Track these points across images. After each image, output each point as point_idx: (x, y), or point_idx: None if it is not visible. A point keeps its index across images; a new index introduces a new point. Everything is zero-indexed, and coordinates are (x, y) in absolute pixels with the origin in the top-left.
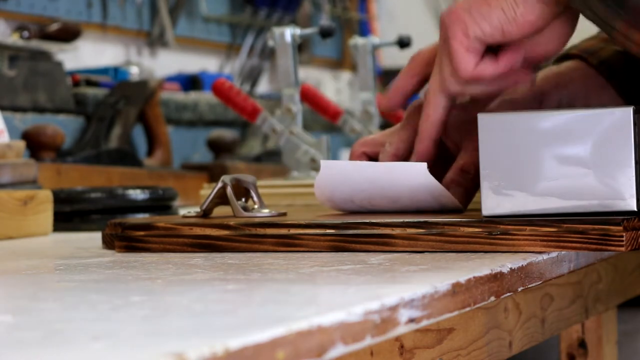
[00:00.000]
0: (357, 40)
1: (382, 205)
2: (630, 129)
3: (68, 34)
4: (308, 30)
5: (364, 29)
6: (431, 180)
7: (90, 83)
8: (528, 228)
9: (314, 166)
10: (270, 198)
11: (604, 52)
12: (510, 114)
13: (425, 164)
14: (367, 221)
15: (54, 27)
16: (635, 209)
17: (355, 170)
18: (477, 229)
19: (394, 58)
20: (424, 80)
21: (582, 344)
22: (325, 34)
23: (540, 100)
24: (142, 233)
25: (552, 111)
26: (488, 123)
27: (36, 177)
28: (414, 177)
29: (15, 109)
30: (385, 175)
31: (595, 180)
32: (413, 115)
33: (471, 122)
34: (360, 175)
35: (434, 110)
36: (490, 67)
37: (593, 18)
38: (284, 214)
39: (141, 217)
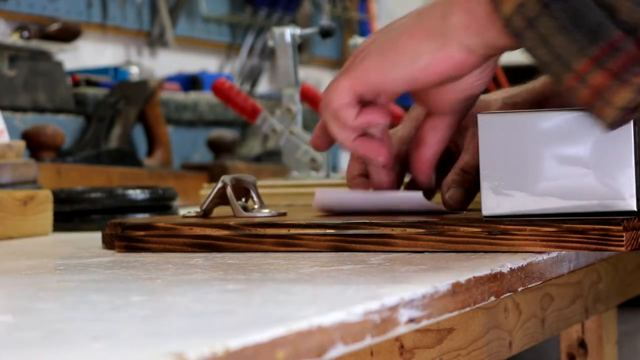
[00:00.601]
0: (357, 40)
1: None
2: (630, 129)
3: (68, 34)
4: (308, 30)
5: (364, 29)
6: (429, 205)
7: (90, 83)
8: (528, 228)
9: (314, 166)
10: (270, 198)
11: None
12: (511, 113)
13: (421, 193)
14: (367, 221)
15: (54, 27)
16: (635, 209)
17: (351, 197)
18: (477, 229)
19: None
20: None
21: (582, 344)
22: (325, 34)
23: (541, 105)
24: (142, 233)
25: (552, 111)
26: (488, 123)
27: (36, 177)
28: (411, 204)
29: (15, 109)
30: (382, 202)
31: (595, 180)
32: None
33: (471, 122)
34: (357, 200)
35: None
36: (353, 116)
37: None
38: (284, 214)
39: (141, 217)
